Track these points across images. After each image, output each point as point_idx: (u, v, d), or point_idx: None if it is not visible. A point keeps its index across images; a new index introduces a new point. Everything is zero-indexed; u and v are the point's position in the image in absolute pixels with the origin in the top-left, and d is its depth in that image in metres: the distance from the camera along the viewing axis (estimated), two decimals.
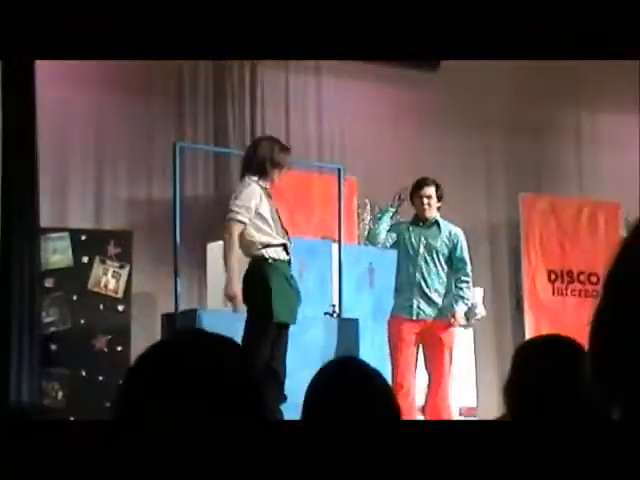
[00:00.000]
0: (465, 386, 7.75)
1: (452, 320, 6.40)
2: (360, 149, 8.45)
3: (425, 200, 6.34)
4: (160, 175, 7.63)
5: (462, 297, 6.50)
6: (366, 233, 7.61)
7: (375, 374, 2.42)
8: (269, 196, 5.88)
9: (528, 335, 7.91)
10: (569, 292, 8.51)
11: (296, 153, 7.34)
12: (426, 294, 6.39)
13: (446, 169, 8.08)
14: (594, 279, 7.96)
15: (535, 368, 2.32)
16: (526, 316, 8.31)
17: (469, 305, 6.72)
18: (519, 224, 8.60)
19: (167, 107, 8.00)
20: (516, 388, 2.37)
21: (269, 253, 5.80)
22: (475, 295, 7.91)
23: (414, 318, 6.31)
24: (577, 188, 9.17)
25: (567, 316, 7.99)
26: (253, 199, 5.79)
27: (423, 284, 6.42)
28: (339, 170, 7.38)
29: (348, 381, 2.41)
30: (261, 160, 5.80)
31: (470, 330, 7.81)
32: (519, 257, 8.58)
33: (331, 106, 8.51)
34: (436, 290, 6.41)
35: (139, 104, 7.88)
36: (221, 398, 1.36)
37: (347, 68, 8.33)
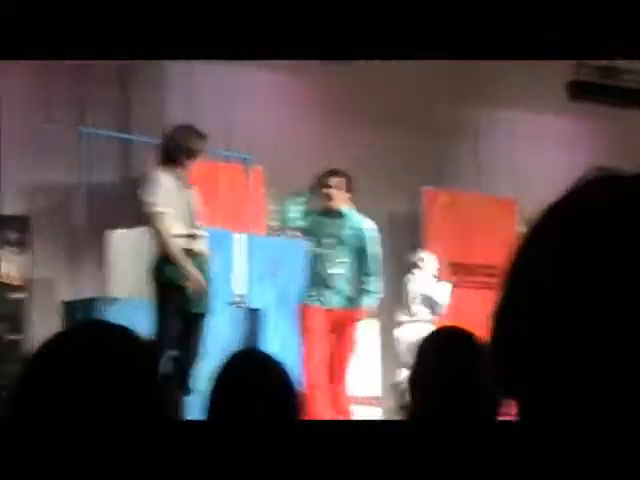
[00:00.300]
0: (370, 377, 7.90)
1: (359, 313, 6.39)
2: (268, 139, 8.44)
3: (331, 190, 6.34)
4: (61, 160, 7.59)
5: (368, 291, 6.50)
6: (277, 215, 7.55)
7: (277, 365, 2.46)
8: (184, 185, 5.80)
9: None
10: (469, 285, 8.63)
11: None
12: (332, 283, 6.40)
13: (352, 161, 7.83)
14: (492, 271, 7.98)
15: (437, 361, 2.34)
16: None
17: (377, 299, 6.65)
18: (420, 217, 8.90)
19: (70, 91, 7.92)
20: (420, 380, 2.40)
21: (179, 243, 5.74)
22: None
23: (323, 307, 6.34)
24: (476, 184, 9.37)
25: (466, 307, 8.00)
26: (167, 189, 5.75)
27: (329, 273, 6.43)
28: (244, 159, 7.51)
29: (251, 373, 2.48)
30: (177, 148, 5.76)
31: (376, 323, 7.98)
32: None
33: (239, 95, 8.40)
34: (343, 280, 6.42)
35: (41, 88, 7.70)
36: (121, 392, 1.32)
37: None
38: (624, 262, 0.68)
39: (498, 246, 8.17)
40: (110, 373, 1.33)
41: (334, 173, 6.50)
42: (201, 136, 6.07)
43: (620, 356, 0.67)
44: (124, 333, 1.45)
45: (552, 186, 0.93)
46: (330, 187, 6.39)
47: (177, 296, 5.73)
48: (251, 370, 2.56)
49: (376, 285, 6.56)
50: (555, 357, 0.68)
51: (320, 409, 5.81)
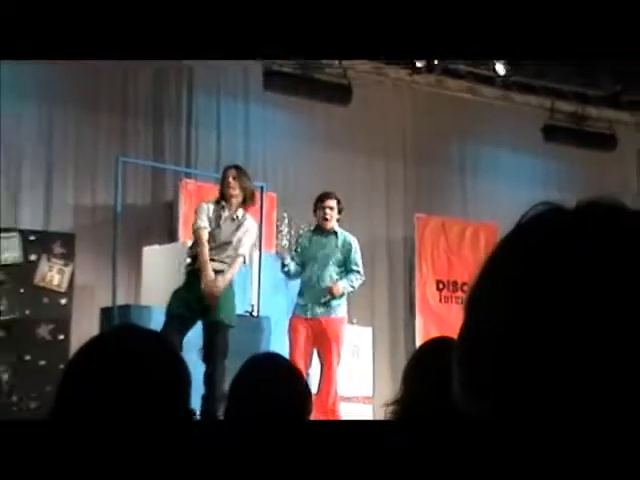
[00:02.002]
0: (364, 378, 8.06)
1: (332, 288, 6.52)
2: (280, 169, 8.69)
3: (327, 211, 6.55)
4: (103, 184, 7.83)
5: (349, 279, 6.66)
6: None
7: (291, 368, 2.65)
8: (229, 217, 6.16)
9: (418, 336, 8.47)
10: (454, 300, 8.83)
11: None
12: (319, 296, 6.59)
13: (352, 190, 8.51)
14: None
15: (432, 367, 2.27)
16: (417, 319, 8.78)
17: (350, 288, 6.82)
18: (414, 240, 9.07)
19: (111, 123, 8.20)
20: (414, 381, 2.40)
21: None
22: None
23: (307, 317, 6.55)
24: (462, 211, 9.68)
25: (452, 320, 8.24)
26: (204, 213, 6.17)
27: (317, 287, 6.61)
28: (262, 187, 7.55)
29: (268, 376, 2.51)
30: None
31: (370, 330, 8.31)
32: (413, 268, 9.02)
33: (256, 130, 8.65)
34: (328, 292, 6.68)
35: (86, 120, 8.02)
36: (150, 387, 1.41)
37: (271, 98, 8.69)
38: (568, 285, 0.68)
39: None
40: (140, 371, 1.43)
41: (328, 196, 6.72)
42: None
43: (575, 373, 0.66)
44: (152, 337, 1.60)
45: None
46: (325, 208, 6.61)
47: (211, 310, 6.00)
48: (268, 373, 2.59)
49: (355, 279, 6.71)
50: (515, 372, 0.67)
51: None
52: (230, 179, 6.20)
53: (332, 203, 6.66)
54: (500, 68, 8.76)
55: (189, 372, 1.52)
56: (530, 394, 0.67)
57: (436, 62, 8.71)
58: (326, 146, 9.01)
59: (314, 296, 6.64)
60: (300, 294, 6.73)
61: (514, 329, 0.67)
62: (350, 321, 7.41)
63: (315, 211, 6.74)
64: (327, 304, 6.64)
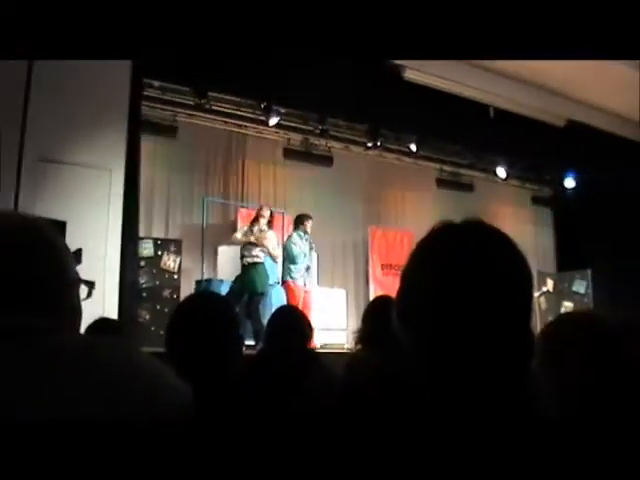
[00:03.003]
0: (339, 332, 8.72)
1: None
2: (291, 202, 9.73)
3: (307, 224, 7.73)
4: (195, 211, 9.13)
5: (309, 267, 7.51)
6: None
7: (299, 313, 2.98)
8: (257, 230, 7.29)
9: (371, 295, 9.43)
10: (391, 274, 9.78)
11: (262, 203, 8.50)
12: (307, 274, 7.64)
13: (331, 213, 9.73)
14: None
15: (379, 313, 2.61)
16: (370, 286, 10.05)
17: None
18: (368, 241, 10.33)
19: (203, 173, 9.28)
20: (368, 321, 2.79)
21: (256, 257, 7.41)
22: None
23: (304, 285, 7.60)
24: (394, 224, 10.72)
25: (390, 286, 8.97)
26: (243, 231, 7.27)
27: (305, 266, 7.68)
28: (282, 213, 9.08)
29: (287, 319, 2.86)
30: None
31: (344, 291, 9.45)
32: (368, 257, 10.28)
33: (283, 181, 9.91)
34: (305, 270, 7.60)
35: (191, 170, 9.03)
36: (218, 325, 1.72)
37: (289, 164, 9.63)
38: (455, 267, 0.83)
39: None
40: (213, 314, 1.75)
41: (307, 216, 7.79)
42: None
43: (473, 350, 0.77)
44: (220, 297, 1.97)
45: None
46: (305, 223, 7.71)
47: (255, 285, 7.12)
48: (291, 314, 2.95)
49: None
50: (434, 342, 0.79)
51: None
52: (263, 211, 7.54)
53: (309, 220, 7.73)
54: (413, 147, 9.89)
55: (239, 317, 1.79)
56: (434, 325, 0.82)
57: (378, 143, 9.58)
58: (321, 192, 10.12)
59: (305, 273, 7.63)
60: (292, 269, 7.58)
61: (426, 290, 0.84)
62: (332, 286, 9.33)
63: (300, 223, 7.74)
64: (305, 277, 7.55)
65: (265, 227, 7.51)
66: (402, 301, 0.94)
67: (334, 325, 8.74)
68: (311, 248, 7.94)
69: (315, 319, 7.64)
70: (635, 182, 9.74)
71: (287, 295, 7.59)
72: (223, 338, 1.72)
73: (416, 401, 0.85)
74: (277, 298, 7.87)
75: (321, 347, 7.60)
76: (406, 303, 0.93)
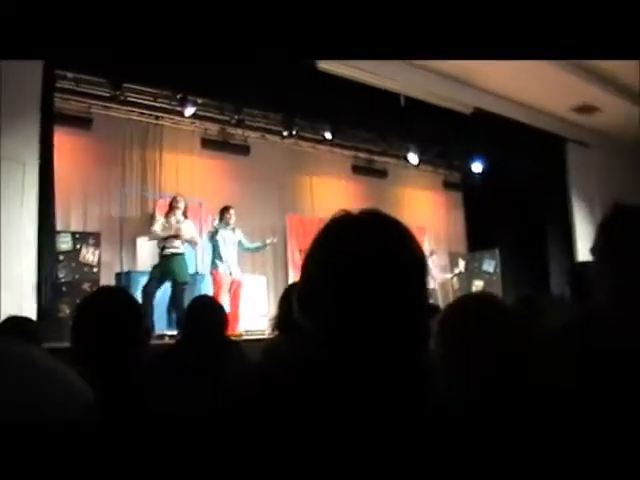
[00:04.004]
0: (261, 318, 8.64)
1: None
2: (211, 192, 9.52)
3: (230, 215, 7.93)
4: (110, 206, 8.76)
5: (243, 245, 7.90)
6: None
7: (216, 304, 2.97)
8: (180, 221, 7.33)
9: (290, 279, 9.73)
10: None
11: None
12: (232, 262, 7.82)
13: (248, 201, 9.69)
14: None
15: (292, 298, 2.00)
16: (289, 272, 10.24)
17: (248, 247, 7.98)
18: (286, 228, 10.51)
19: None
20: (282, 305, 2.99)
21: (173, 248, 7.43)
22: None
23: (230, 275, 7.78)
24: (310, 212, 10.63)
25: None
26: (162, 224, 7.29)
27: (231, 255, 7.82)
28: (200, 203, 8.93)
29: (203, 308, 2.87)
30: None
31: (265, 277, 9.61)
32: (287, 244, 10.46)
33: (201, 171, 9.69)
34: (236, 261, 7.86)
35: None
36: (121, 326, 1.67)
37: (206, 153, 9.66)
38: (346, 251, 0.88)
39: None
40: (115, 313, 1.70)
41: (228, 208, 7.99)
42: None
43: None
44: (121, 291, 1.93)
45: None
46: (229, 214, 7.90)
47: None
48: (204, 306, 2.95)
49: (252, 247, 8.08)
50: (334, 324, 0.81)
51: None
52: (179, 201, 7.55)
53: (231, 211, 7.92)
54: (328, 135, 9.88)
55: (141, 310, 1.77)
56: (330, 312, 0.86)
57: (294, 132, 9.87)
58: (239, 181, 10.16)
59: (229, 264, 7.76)
60: (217, 258, 7.76)
61: (323, 278, 0.88)
62: (253, 273, 9.34)
63: (224, 214, 7.94)
64: (233, 267, 7.76)
65: (181, 217, 7.55)
66: (301, 289, 0.97)
67: (255, 312, 8.79)
68: (239, 239, 8.14)
69: (240, 306, 7.89)
70: (535, 165, 10.34)
71: (213, 285, 7.73)
72: (127, 330, 1.68)
73: (319, 385, 0.86)
74: (207, 289, 7.97)
75: (244, 334, 7.62)
76: (305, 291, 0.96)
